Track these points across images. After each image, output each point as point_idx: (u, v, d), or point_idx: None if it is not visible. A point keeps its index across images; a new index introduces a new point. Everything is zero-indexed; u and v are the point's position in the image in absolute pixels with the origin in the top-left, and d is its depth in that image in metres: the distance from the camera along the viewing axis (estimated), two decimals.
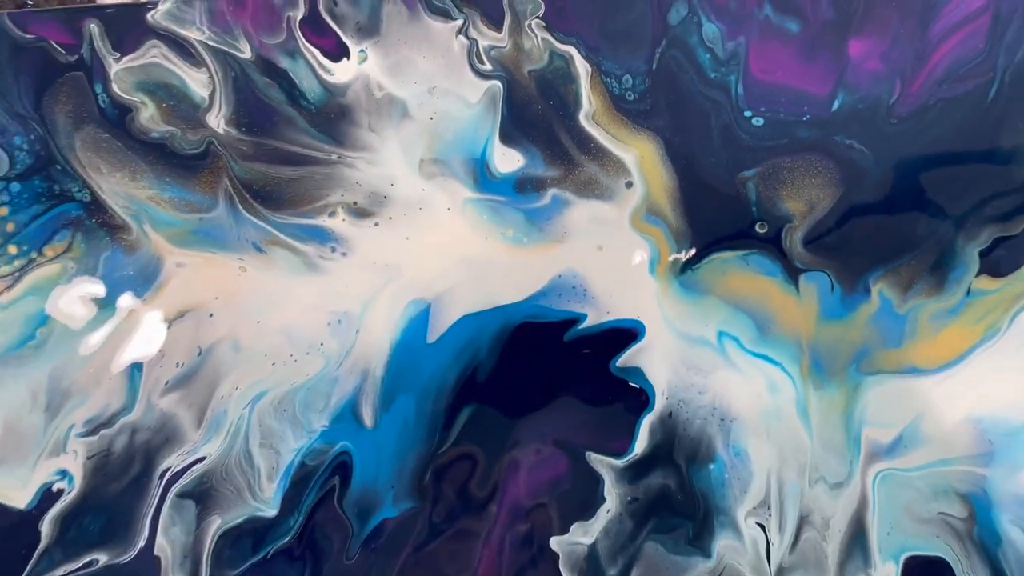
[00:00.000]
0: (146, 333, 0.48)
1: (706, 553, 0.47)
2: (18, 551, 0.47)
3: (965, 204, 0.48)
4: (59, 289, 0.46)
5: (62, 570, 0.47)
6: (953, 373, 0.47)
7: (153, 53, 0.48)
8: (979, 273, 0.47)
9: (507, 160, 0.49)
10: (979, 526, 0.47)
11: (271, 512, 0.47)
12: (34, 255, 0.48)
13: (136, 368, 0.48)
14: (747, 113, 0.48)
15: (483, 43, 0.49)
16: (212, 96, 0.49)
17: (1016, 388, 0.47)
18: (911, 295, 0.48)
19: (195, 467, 0.47)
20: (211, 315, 0.48)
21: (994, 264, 0.47)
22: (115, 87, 0.48)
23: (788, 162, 0.48)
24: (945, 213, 0.48)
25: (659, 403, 0.48)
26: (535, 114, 0.49)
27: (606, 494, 0.48)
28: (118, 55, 0.48)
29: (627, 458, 0.48)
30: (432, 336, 0.49)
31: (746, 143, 0.48)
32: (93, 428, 0.47)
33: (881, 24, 0.47)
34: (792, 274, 0.48)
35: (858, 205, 0.48)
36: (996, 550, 0.46)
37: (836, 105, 0.47)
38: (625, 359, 0.48)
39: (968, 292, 0.47)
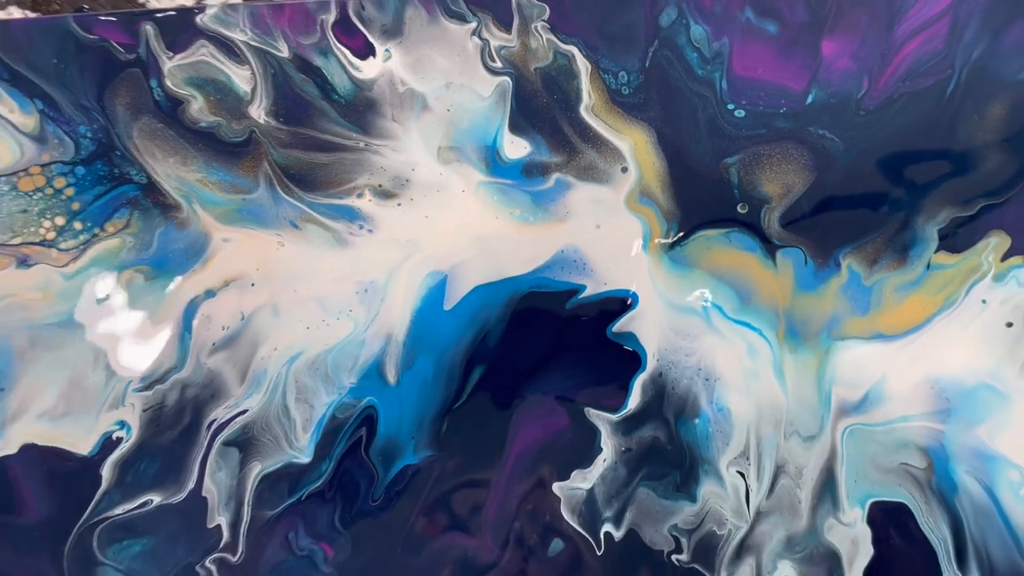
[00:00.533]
0: (195, 301, 0.50)
1: (692, 498, 0.50)
2: (82, 493, 0.50)
3: (925, 188, 0.50)
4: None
5: (120, 509, 0.50)
6: (914, 339, 0.50)
7: (202, 52, 0.51)
8: (938, 249, 0.50)
9: (515, 147, 0.52)
10: (937, 476, 0.49)
11: (305, 459, 0.50)
12: (96, 231, 0.51)
13: (186, 331, 0.51)
14: (730, 106, 0.50)
15: (494, 43, 0.51)
16: (254, 90, 0.51)
17: (971, 353, 0.50)
18: (877, 269, 0.50)
19: (238, 419, 0.51)
20: (252, 284, 0.51)
21: (951, 241, 0.50)
22: (168, 82, 0.51)
23: (766, 150, 0.50)
24: (907, 195, 0.50)
25: (650, 364, 0.50)
26: (540, 106, 0.51)
27: (602, 445, 0.51)
28: (171, 54, 0.51)
29: (621, 413, 0.51)
30: (448, 304, 0.51)
31: (729, 133, 0.51)
32: (148, 384, 0.51)
33: (851, 26, 0.50)
34: (770, 250, 0.51)
35: (829, 188, 0.50)
36: (952, 497, 0.49)
37: (810, 99, 0.50)
38: (620, 325, 0.51)
39: (928, 266, 0.50)
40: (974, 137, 0.50)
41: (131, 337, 0.50)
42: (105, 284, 0.50)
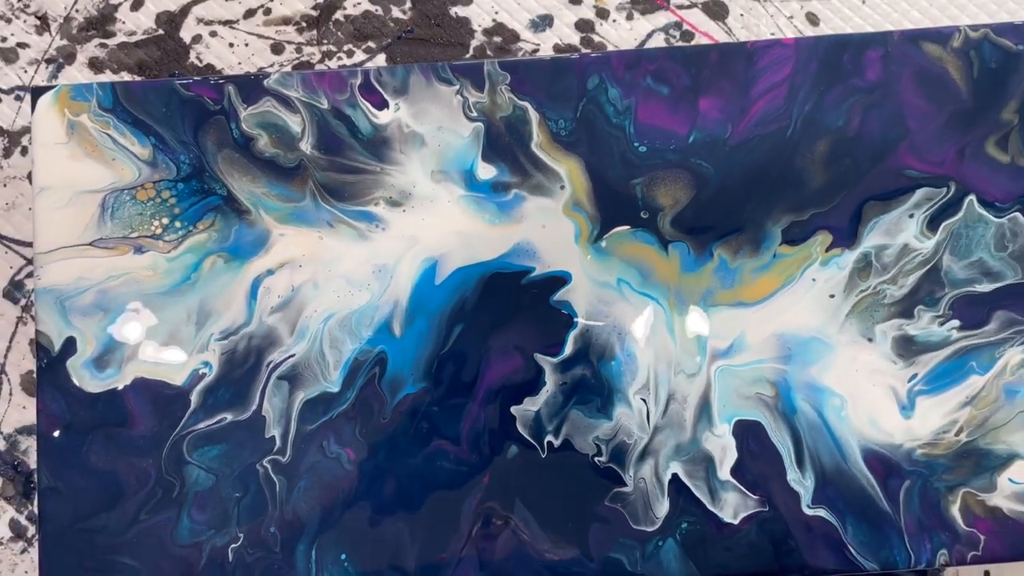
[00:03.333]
0: (259, 277, 0.58)
1: (609, 417, 0.57)
2: (176, 413, 0.57)
3: (772, 201, 0.59)
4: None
5: (203, 424, 0.57)
6: (765, 305, 0.58)
7: (267, 104, 0.59)
8: (782, 243, 0.59)
9: (486, 171, 0.59)
10: (782, 402, 0.57)
11: (335, 389, 0.57)
12: (191, 228, 0.58)
13: (252, 297, 0.58)
14: (636, 144, 0.59)
15: (471, 100, 0.59)
16: (303, 131, 0.59)
17: (805, 315, 0.58)
18: (739, 257, 0.59)
19: (288, 360, 0.57)
20: (300, 266, 0.58)
21: (791, 237, 0.59)
22: (243, 125, 0.59)
23: (661, 174, 0.59)
24: (760, 206, 0.59)
25: (580, 323, 0.58)
26: (503, 144, 0.59)
27: (546, 380, 0.58)
28: (245, 106, 0.59)
29: (559, 357, 0.58)
30: (438, 280, 0.58)
31: (635, 162, 0.59)
32: (225, 335, 0.58)
33: (719, 90, 0.60)
34: (663, 244, 0.59)
35: (705, 201, 0.59)
36: (793, 417, 0.57)
37: (691, 139, 0.59)
38: (559, 296, 0.58)
39: (775, 255, 0.59)
40: (806, 166, 0.59)
41: (213, 302, 0.57)
42: (196, 265, 0.57)
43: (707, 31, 0.68)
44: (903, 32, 0.61)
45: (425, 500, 0.57)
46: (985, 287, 0.59)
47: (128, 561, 0.56)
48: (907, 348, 0.58)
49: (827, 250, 0.59)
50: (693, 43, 0.68)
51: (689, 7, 0.69)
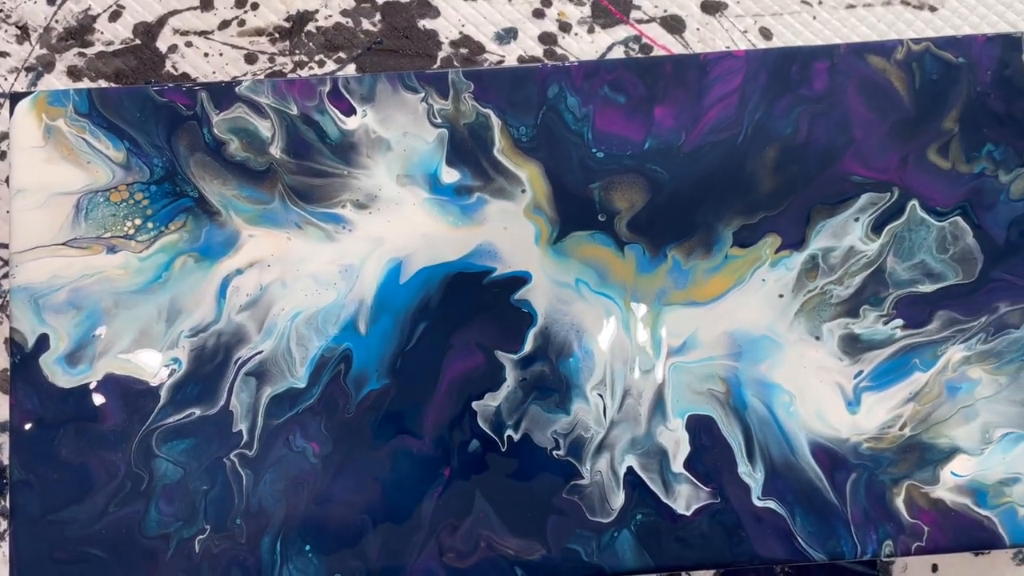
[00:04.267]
0: (229, 276, 0.59)
1: (567, 412, 0.58)
2: (145, 407, 0.58)
3: (724, 204, 0.60)
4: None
5: (172, 419, 0.57)
6: (717, 304, 0.60)
7: (239, 110, 0.60)
8: (732, 245, 0.60)
9: (450, 175, 0.60)
10: (733, 397, 0.59)
11: (302, 385, 0.58)
12: (163, 228, 0.59)
13: (222, 295, 0.58)
14: (594, 150, 0.60)
15: (436, 107, 0.61)
16: (273, 136, 0.60)
17: (755, 314, 0.59)
18: (692, 258, 0.60)
19: (256, 357, 0.58)
20: (269, 265, 0.59)
21: (741, 240, 0.60)
22: (215, 130, 0.60)
23: (618, 179, 0.60)
24: (712, 209, 0.60)
25: (540, 321, 0.59)
26: (467, 149, 0.60)
27: (507, 375, 0.59)
28: (217, 111, 0.60)
29: (519, 354, 0.59)
30: (403, 279, 0.59)
31: (593, 167, 0.60)
32: (195, 332, 0.58)
33: (673, 99, 0.61)
34: (620, 245, 0.60)
35: (659, 205, 0.60)
36: (744, 412, 0.59)
37: (647, 145, 0.60)
38: (519, 295, 0.60)
39: (726, 257, 0.60)
40: (756, 172, 0.61)
41: (183, 300, 0.58)
42: (167, 264, 0.58)
43: (665, 44, 0.70)
44: (849, 45, 0.63)
45: (388, 493, 0.58)
46: (927, 288, 0.61)
47: (97, 552, 0.57)
48: (853, 346, 0.60)
49: (776, 252, 0.60)
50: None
51: (648, 21, 0.71)
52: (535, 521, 0.58)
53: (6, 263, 0.68)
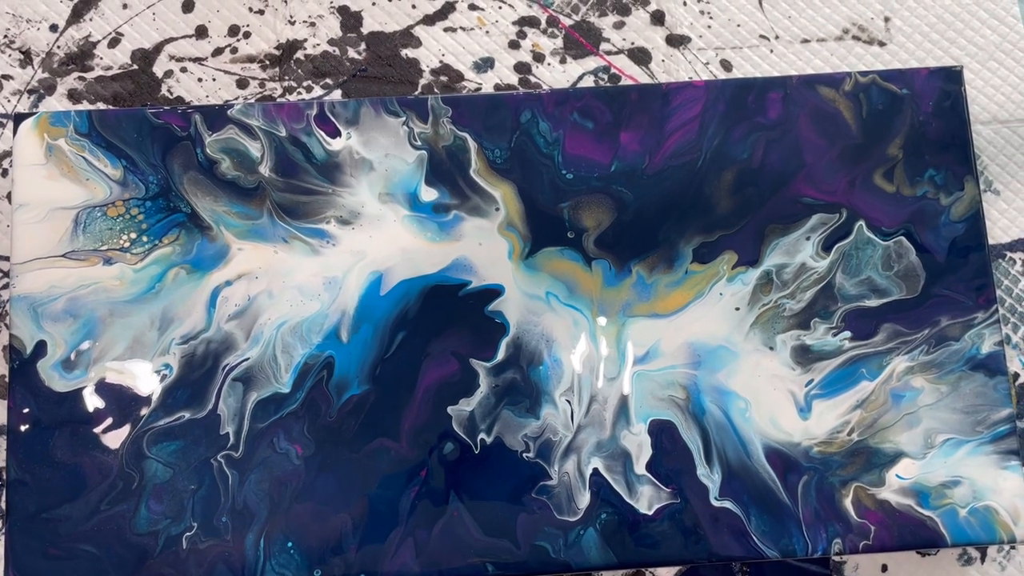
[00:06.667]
0: (219, 287, 0.60)
1: (537, 417, 0.60)
2: (137, 410, 0.59)
3: (684, 224, 0.63)
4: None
5: (163, 421, 0.59)
6: (678, 316, 0.62)
7: (230, 132, 0.62)
8: (692, 261, 0.62)
9: (429, 194, 0.63)
10: (692, 403, 0.61)
11: (286, 390, 0.59)
12: (156, 242, 0.61)
13: (211, 305, 0.60)
14: (564, 171, 0.63)
15: (416, 130, 0.63)
16: (262, 156, 0.62)
17: (713, 326, 0.61)
18: (654, 273, 0.62)
19: (243, 363, 0.60)
20: (256, 277, 0.61)
21: (700, 256, 0.62)
22: (208, 150, 0.62)
23: (586, 199, 0.63)
24: (673, 228, 0.63)
25: (512, 331, 0.61)
26: (445, 170, 0.63)
27: (480, 382, 0.60)
28: (210, 133, 0.62)
29: (493, 362, 0.61)
30: (383, 291, 0.61)
31: (563, 188, 0.63)
32: (185, 340, 0.60)
33: (638, 124, 0.64)
34: (588, 260, 0.62)
35: (624, 223, 0.62)
36: (702, 417, 0.60)
37: (613, 168, 0.63)
38: (493, 306, 0.61)
39: (686, 272, 0.62)
40: (714, 194, 0.63)
41: (175, 309, 0.60)
42: (160, 275, 0.59)
43: (632, 75, 0.73)
44: (801, 77, 0.66)
45: (367, 492, 0.60)
46: (873, 302, 0.63)
47: (89, 548, 0.58)
48: (804, 356, 0.62)
49: (733, 268, 0.63)
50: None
51: (616, 53, 0.73)
52: (506, 519, 0.59)
53: (7, 275, 0.69)
